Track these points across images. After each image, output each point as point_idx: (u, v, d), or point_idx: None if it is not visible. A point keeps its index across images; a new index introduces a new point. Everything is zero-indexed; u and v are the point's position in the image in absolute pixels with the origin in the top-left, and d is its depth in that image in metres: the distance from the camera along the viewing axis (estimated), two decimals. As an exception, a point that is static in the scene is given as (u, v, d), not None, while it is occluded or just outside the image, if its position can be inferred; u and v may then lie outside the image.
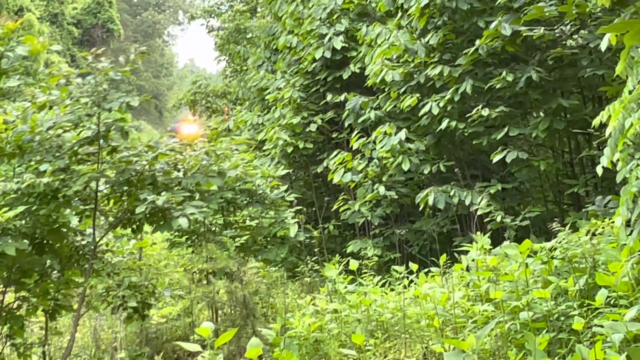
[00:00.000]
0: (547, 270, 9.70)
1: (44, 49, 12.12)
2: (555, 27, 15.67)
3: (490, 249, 10.99)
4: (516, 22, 15.95)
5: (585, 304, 8.56)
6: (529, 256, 9.69)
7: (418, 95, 18.16)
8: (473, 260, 10.83)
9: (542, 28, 15.43)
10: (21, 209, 10.22)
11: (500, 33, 16.06)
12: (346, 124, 21.20)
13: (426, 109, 17.62)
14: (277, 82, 24.68)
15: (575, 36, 15.70)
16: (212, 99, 41.09)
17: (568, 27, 15.68)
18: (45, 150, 11.15)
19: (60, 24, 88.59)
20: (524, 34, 15.69)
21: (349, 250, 19.35)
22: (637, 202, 8.20)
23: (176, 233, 16.14)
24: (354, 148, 20.08)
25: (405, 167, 18.08)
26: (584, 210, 14.83)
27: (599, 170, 9.23)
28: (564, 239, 10.22)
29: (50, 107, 11.51)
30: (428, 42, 17.98)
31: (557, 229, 10.95)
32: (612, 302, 8.40)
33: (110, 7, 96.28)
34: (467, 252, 11.29)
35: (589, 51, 15.95)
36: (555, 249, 10.02)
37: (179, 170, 11.98)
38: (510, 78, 16.11)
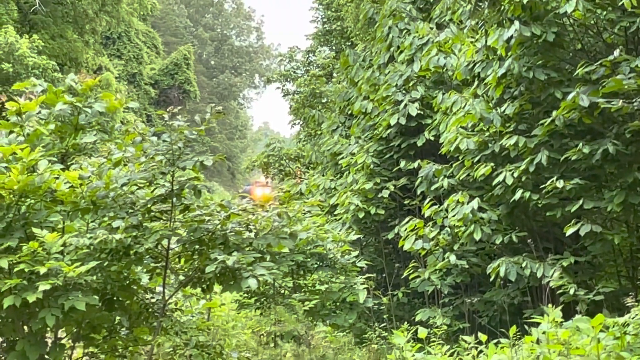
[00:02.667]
0: (619, 345, 9.51)
1: (120, 106, 12.28)
2: (634, 100, 15.49)
3: (561, 322, 10.81)
4: (594, 94, 15.79)
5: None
6: (601, 331, 9.52)
7: (492, 164, 18.04)
8: (544, 332, 10.67)
9: (621, 100, 15.24)
10: (93, 264, 10.26)
11: (578, 104, 15.89)
12: (419, 191, 21.15)
13: (500, 178, 17.49)
14: (351, 147, 24.75)
15: (654, 110, 15.52)
16: (286, 162, 41.36)
17: (647, 100, 15.52)
18: (119, 207, 11.22)
19: (138, 84, 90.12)
20: (602, 106, 15.51)
21: (417, 318, 19.19)
22: None
23: (245, 294, 16.14)
24: (425, 215, 19.98)
25: (477, 236, 17.93)
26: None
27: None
28: (637, 314, 10.02)
29: (125, 164, 11.64)
30: (504, 111, 17.89)
31: (630, 304, 10.76)
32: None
33: (187, 68, 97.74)
34: (537, 324, 11.12)
35: (667, 125, 15.75)
36: (629, 324, 9.84)
37: (250, 231, 11.98)
38: (586, 150, 15.93)
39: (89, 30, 60.09)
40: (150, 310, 12.11)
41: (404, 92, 22.92)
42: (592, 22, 17.37)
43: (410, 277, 19.99)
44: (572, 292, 15.86)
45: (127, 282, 11.72)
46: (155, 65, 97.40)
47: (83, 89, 11.77)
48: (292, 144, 52.70)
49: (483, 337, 12.17)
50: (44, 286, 9.64)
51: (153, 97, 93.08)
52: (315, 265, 16.45)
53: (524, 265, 17.00)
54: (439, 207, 19.56)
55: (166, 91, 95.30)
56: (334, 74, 48.49)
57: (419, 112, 22.20)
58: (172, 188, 11.28)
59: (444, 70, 22.22)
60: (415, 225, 19.80)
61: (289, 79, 55.02)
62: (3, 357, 10.94)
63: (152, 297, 12.33)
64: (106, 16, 60.55)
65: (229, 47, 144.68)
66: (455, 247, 18.97)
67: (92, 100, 11.79)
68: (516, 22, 16.90)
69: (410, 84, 22.91)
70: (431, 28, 23.71)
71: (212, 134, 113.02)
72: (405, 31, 24.75)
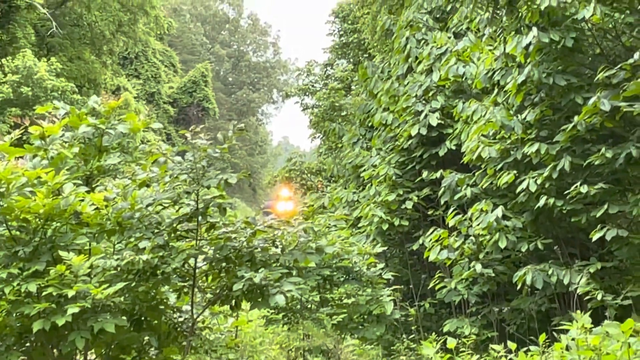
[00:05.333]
0: (650, 350, 9.45)
1: (144, 127, 12.34)
2: (656, 102, 15.44)
3: (590, 328, 10.75)
4: (615, 98, 15.72)
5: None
6: (631, 335, 9.47)
7: (515, 172, 17.98)
8: (573, 339, 10.61)
9: (643, 104, 15.20)
10: (120, 285, 10.29)
11: (599, 109, 15.83)
12: (442, 201, 21.11)
13: (523, 185, 17.42)
14: (373, 159, 24.73)
15: (677, 112, 15.44)
16: (307, 176, 41.40)
17: (669, 103, 15.44)
18: (145, 227, 11.26)
19: (157, 103, 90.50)
20: (624, 110, 15.45)
21: (445, 329, 19.13)
22: None
23: (272, 310, 16.14)
24: (450, 225, 19.92)
25: (502, 244, 17.87)
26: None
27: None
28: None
29: (148, 185, 11.68)
30: (525, 118, 17.84)
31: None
32: None
33: (205, 86, 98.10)
34: (566, 331, 11.07)
35: (690, 127, 15.69)
36: (660, 328, 9.78)
37: (276, 247, 12.00)
38: (609, 154, 15.87)
39: (106, 51, 60.46)
40: (179, 329, 12.14)
41: (423, 102, 22.89)
42: (611, 26, 17.33)
43: (436, 288, 19.93)
44: (599, 297, 15.76)
45: (155, 302, 11.77)
46: (173, 84, 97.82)
47: (106, 111, 11.82)
48: (312, 158, 52.77)
49: (512, 345, 12.11)
50: (72, 309, 9.69)
51: (172, 116, 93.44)
52: (342, 279, 16.44)
53: (550, 272, 16.92)
54: (462, 216, 19.50)
55: (185, 109, 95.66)
56: (353, 87, 48.51)
57: (439, 121, 22.15)
58: (197, 207, 11.31)
59: (463, 79, 22.16)
60: (440, 236, 19.73)
61: (307, 93, 55.13)
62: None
63: (180, 317, 12.35)
64: (123, 37, 60.90)
65: (246, 63, 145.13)
66: (481, 256, 18.90)
67: (115, 121, 11.84)
68: (534, 29, 16.89)
69: (430, 94, 22.87)
70: (449, 37, 23.68)
71: (233, 150, 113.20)
72: (422, 41, 24.75)
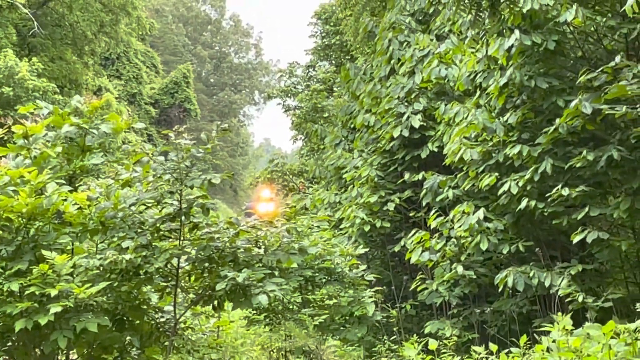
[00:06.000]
0: (631, 352, 9.48)
1: (127, 127, 12.34)
2: (638, 105, 15.47)
3: (571, 330, 10.79)
4: (597, 101, 15.77)
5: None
6: (612, 337, 9.51)
7: (497, 174, 18.03)
8: (554, 341, 10.65)
9: (625, 107, 15.22)
10: (103, 285, 10.30)
11: (581, 112, 15.88)
12: (424, 203, 21.14)
13: (505, 188, 17.47)
14: (355, 160, 24.75)
15: (658, 115, 15.51)
16: (289, 178, 41.39)
17: (651, 105, 15.51)
18: (128, 227, 11.26)
19: (138, 104, 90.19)
20: (606, 113, 15.49)
21: (426, 330, 19.14)
22: None
23: (254, 310, 16.14)
24: (431, 227, 19.95)
25: (484, 246, 17.91)
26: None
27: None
28: (648, 320, 10.00)
29: (130, 185, 11.67)
30: (507, 120, 17.89)
31: (641, 310, 10.75)
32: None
33: (187, 87, 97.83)
34: (547, 333, 11.11)
35: (671, 130, 15.73)
36: (640, 330, 9.82)
37: (259, 247, 12.01)
38: (590, 157, 15.92)
39: (88, 52, 60.26)
40: (161, 329, 12.14)
41: (406, 104, 22.91)
42: (592, 29, 17.40)
43: (418, 289, 19.94)
44: (580, 299, 15.82)
45: (137, 302, 11.77)
46: (155, 85, 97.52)
47: (89, 111, 11.82)
48: (294, 159, 52.79)
49: (493, 347, 12.15)
50: (55, 308, 9.68)
51: (154, 117, 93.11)
52: (324, 280, 16.45)
53: (531, 274, 16.97)
54: (444, 218, 19.54)
55: (167, 110, 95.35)
56: (335, 88, 48.50)
57: (421, 123, 22.18)
58: (181, 207, 11.32)
59: (446, 81, 22.20)
60: (422, 237, 19.76)
61: (289, 95, 55.12)
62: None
63: (162, 317, 12.35)
64: (105, 37, 60.71)
65: (228, 65, 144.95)
66: (462, 258, 18.94)
67: (98, 121, 11.83)
68: (516, 31, 16.94)
69: (412, 96, 22.89)
70: (431, 40, 23.74)
71: (214, 151, 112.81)
72: (405, 43, 24.78)
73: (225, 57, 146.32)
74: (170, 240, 11.83)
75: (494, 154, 18.35)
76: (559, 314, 11.46)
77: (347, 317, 17.06)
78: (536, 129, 17.79)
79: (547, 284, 16.67)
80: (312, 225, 15.07)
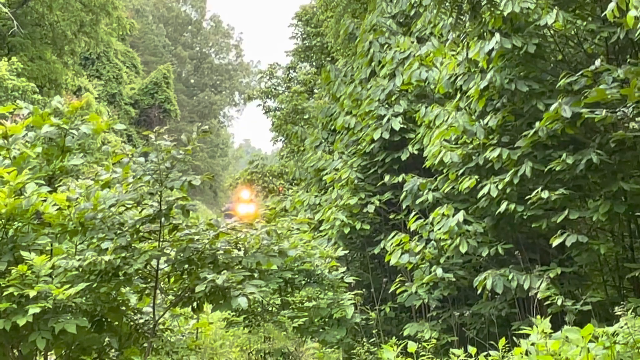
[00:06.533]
0: (609, 355, 9.53)
1: (107, 128, 12.28)
2: (617, 109, 15.52)
3: (550, 333, 10.82)
4: (577, 105, 15.83)
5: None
6: (590, 341, 9.54)
7: (476, 177, 18.08)
8: (533, 344, 10.68)
9: (604, 110, 15.27)
10: (82, 286, 10.26)
11: (561, 115, 15.93)
12: (404, 206, 21.17)
13: (485, 190, 17.52)
14: (335, 162, 24.76)
15: (638, 119, 15.53)
16: (269, 179, 41.36)
17: (630, 109, 15.49)
18: (107, 228, 11.20)
19: (118, 104, 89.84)
20: (585, 116, 15.55)
21: (405, 332, 19.18)
22: None
23: (233, 312, 16.11)
24: (411, 229, 20.00)
25: (463, 249, 17.95)
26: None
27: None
28: (626, 323, 10.05)
29: (110, 187, 11.61)
30: (487, 123, 17.93)
31: (620, 313, 10.77)
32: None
33: (167, 87, 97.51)
34: (526, 336, 11.14)
35: (650, 134, 15.79)
36: (618, 334, 9.86)
37: (239, 249, 11.97)
38: (570, 161, 15.98)
39: (68, 52, 59.95)
40: (140, 331, 12.08)
41: (386, 106, 22.94)
42: (573, 32, 17.46)
43: (397, 292, 19.96)
44: (559, 302, 15.87)
45: (116, 303, 11.71)
46: (135, 85, 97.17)
47: (69, 111, 11.76)
48: (274, 161, 52.72)
49: (472, 349, 12.16)
50: (33, 309, 9.63)
51: (133, 117, 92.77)
52: (303, 282, 16.45)
53: (510, 277, 17.01)
54: (424, 220, 19.58)
55: (146, 111, 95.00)
56: (316, 90, 48.56)
57: (402, 126, 22.22)
58: (161, 208, 11.26)
59: (426, 83, 22.24)
60: (401, 240, 19.79)
61: (270, 96, 54.98)
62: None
63: (141, 318, 12.30)
64: (85, 37, 60.40)
65: (209, 65, 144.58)
66: (442, 261, 18.99)
67: (79, 122, 11.78)
68: (497, 35, 16.99)
69: (393, 98, 22.93)
70: (412, 42, 23.76)
71: (194, 152, 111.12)
72: (386, 46, 24.81)
73: (205, 57, 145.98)
74: (150, 241, 11.78)
75: (474, 157, 18.39)
76: (538, 317, 11.48)
77: (327, 319, 17.06)
78: (516, 132, 17.84)
79: (526, 286, 16.72)
80: (292, 227, 15.06)
